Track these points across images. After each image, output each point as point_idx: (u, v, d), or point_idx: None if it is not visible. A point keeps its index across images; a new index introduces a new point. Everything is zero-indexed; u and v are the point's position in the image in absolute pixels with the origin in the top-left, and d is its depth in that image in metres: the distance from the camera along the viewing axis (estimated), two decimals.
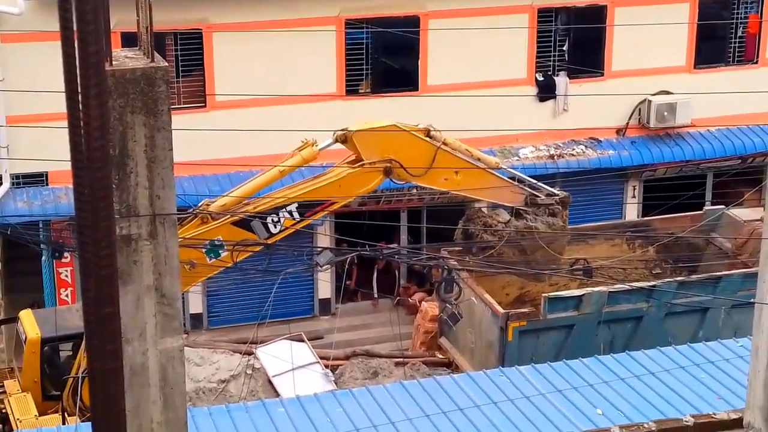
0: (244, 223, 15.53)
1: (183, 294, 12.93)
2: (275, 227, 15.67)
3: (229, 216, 15.34)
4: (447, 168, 16.65)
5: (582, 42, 24.30)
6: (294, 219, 15.91)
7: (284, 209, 15.79)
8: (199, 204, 15.51)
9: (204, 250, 15.09)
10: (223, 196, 16.04)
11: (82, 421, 14.00)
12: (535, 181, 18.39)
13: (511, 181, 17.80)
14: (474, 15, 22.87)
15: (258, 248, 15.84)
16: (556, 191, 18.26)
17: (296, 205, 15.87)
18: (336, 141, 16.38)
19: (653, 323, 18.81)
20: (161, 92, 6.72)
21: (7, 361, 19.12)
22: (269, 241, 15.76)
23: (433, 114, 22.77)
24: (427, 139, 16.66)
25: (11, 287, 21.97)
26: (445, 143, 16.78)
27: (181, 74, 21.77)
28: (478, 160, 17.26)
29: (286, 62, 22.02)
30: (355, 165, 16.25)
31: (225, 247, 15.21)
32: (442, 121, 22.55)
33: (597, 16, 23.99)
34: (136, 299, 6.94)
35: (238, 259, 15.52)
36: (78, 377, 15.71)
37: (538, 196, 17.83)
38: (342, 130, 16.37)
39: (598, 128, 24.14)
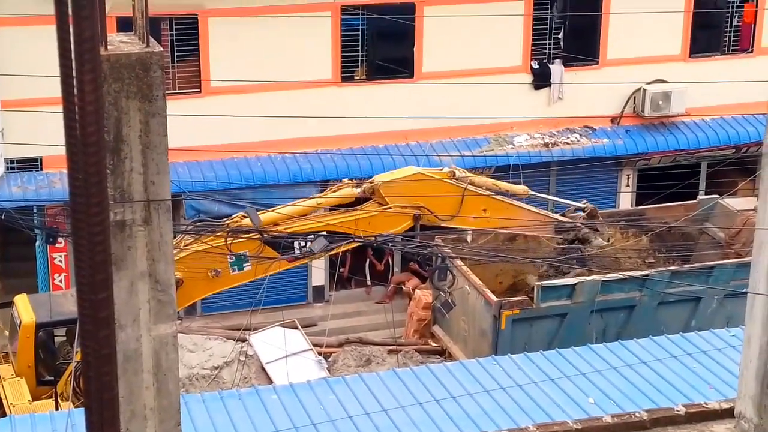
0: (272, 243, 15.62)
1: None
2: (301, 252, 15.79)
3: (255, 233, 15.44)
4: (476, 216, 16.74)
5: (577, 30, 24.28)
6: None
7: (313, 236, 15.85)
8: (233, 217, 15.64)
9: (229, 262, 15.27)
10: (260, 214, 16.06)
11: (76, 407, 14.00)
12: (561, 200, 18.50)
13: (538, 211, 17.85)
14: (470, 2, 22.84)
15: (281, 267, 15.93)
16: (581, 204, 18.31)
17: (324, 233, 15.92)
18: (364, 193, 16.36)
19: (646, 312, 18.83)
20: (156, 77, 6.71)
21: (1, 346, 19.11)
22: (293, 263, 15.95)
23: (428, 102, 22.81)
24: (453, 181, 16.70)
25: (5, 272, 21.94)
26: (471, 183, 16.84)
27: (176, 59, 21.73)
28: (507, 191, 17.32)
29: (282, 48, 21.99)
30: (387, 206, 16.27)
31: (250, 262, 15.37)
32: (437, 108, 22.65)
33: (593, 3, 23.98)
34: (129, 285, 6.94)
35: (263, 275, 15.68)
36: (78, 363, 15.72)
37: (563, 224, 17.96)
38: (368, 182, 16.39)
39: (592, 116, 24.14)
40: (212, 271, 15.24)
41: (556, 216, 18.00)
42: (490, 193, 17.07)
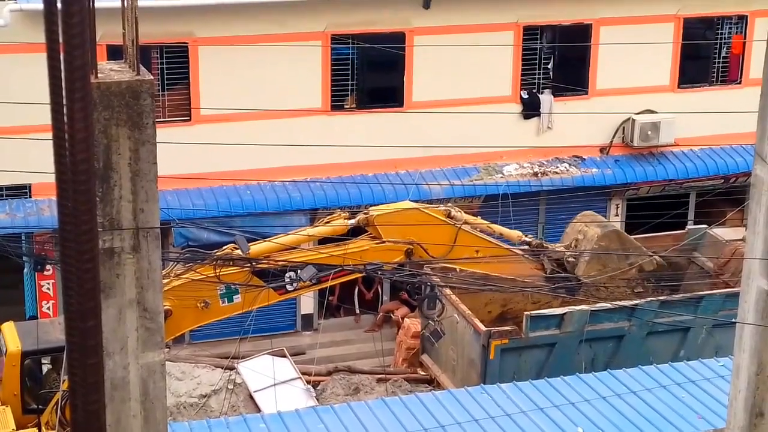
0: (263, 275, 15.60)
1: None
2: (292, 285, 15.77)
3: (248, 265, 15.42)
4: (468, 257, 16.80)
5: (567, 60, 24.37)
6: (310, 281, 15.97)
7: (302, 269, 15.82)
8: (224, 248, 15.62)
9: (219, 294, 15.24)
10: (250, 245, 16.02)
11: None
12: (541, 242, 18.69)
13: (529, 257, 17.91)
14: (459, 32, 22.92)
15: (270, 300, 15.91)
16: (527, 239, 18.35)
17: (314, 266, 15.90)
18: (358, 225, 16.39)
19: (635, 342, 18.82)
20: (146, 105, 6.71)
21: None
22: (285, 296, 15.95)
23: (417, 131, 22.85)
24: (448, 219, 16.74)
25: None
26: (466, 222, 16.89)
27: (166, 87, 21.74)
28: (500, 235, 17.40)
29: (272, 77, 22.02)
30: (379, 241, 16.29)
31: (239, 293, 15.34)
32: (426, 137, 22.69)
33: (582, 34, 24.08)
34: (118, 313, 6.91)
35: (252, 308, 15.65)
36: (66, 392, 15.62)
37: (547, 267, 18.06)
38: (364, 214, 16.44)
39: (582, 146, 24.20)
40: (201, 303, 15.21)
41: (545, 261, 18.08)
42: (484, 235, 17.11)
